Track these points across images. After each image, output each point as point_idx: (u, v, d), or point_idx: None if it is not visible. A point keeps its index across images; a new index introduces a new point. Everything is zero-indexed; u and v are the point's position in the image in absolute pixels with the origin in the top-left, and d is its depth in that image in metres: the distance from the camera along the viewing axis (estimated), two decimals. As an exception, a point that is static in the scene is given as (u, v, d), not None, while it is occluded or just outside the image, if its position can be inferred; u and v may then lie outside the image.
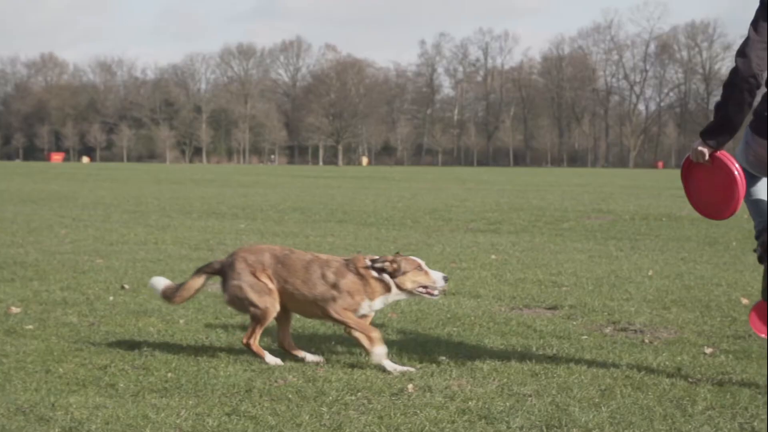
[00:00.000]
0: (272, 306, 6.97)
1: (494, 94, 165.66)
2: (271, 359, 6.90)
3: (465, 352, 7.33)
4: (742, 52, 5.95)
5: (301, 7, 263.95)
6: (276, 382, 6.33)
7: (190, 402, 5.83)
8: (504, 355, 7.19)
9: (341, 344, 7.49)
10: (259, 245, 7.26)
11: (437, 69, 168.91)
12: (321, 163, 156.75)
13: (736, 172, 6.04)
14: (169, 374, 6.50)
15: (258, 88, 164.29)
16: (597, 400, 5.95)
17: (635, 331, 8.35)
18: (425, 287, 6.97)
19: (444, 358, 7.11)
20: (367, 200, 30.15)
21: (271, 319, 7.00)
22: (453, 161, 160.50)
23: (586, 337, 8.02)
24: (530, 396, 6.03)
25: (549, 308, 9.52)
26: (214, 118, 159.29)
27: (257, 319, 6.96)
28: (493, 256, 14.08)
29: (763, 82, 5.94)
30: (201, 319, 8.59)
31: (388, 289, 6.98)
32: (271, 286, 6.98)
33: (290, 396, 5.97)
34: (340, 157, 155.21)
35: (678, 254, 14.99)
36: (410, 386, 6.23)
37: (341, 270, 7.01)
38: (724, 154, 6.12)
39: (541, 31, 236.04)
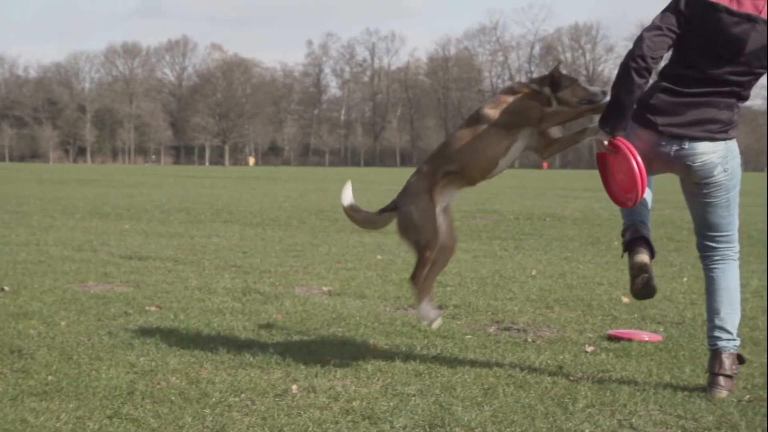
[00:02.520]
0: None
1: (381, 94, 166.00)
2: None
3: (349, 353, 7.34)
4: (639, 35, 6.08)
5: (186, 6, 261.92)
6: (159, 384, 6.27)
7: (71, 405, 5.75)
8: (388, 355, 7.22)
9: (225, 345, 7.44)
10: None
11: (324, 69, 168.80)
12: (207, 163, 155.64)
13: (634, 163, 6.08)
14: (50, 377, 6.41)
15: (143, 88, 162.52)
16: (480, 399, 6.00)
17: (518, 330, 8.43)
18: (587, 100, 6.72)
19: (328, 358, 7.11)
20: (253, 200, 30.03)
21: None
22: (340, 161, 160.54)
23: (469, 336, 8.08)
24: (414, 396, 6.06)
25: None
26: (99, 118, 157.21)
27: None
28: (378, 257, 14.12)
29: (654, 66, 6.03)
30: (83, 321, 8.47)
31: (548, 102, 6.76)
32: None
33: (173, 398, 5.92)
34: (227, 157, 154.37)
35: (561, 254, 15.17)
36: (294, 387, 6.22)
37: (499, 97, 6.86)
38: (624, 143, 6.16)
39: (428, 32, 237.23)
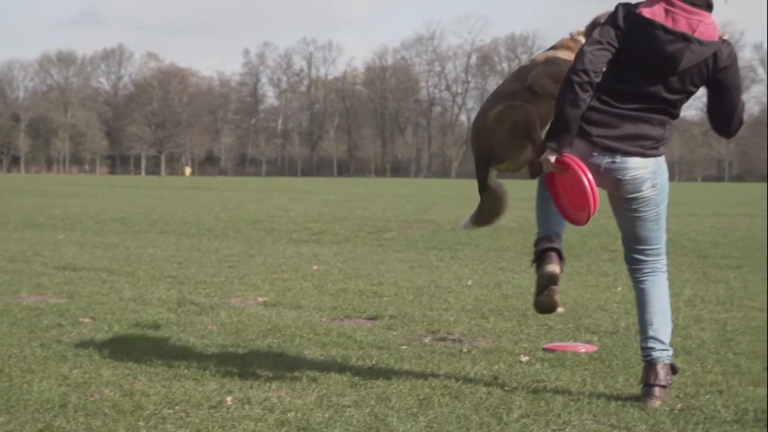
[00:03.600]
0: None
1: (318, 104, 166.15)
2: None
3: (285, 364, 7.31)
4: (580, 50, 6.13)
5: (122, 14, 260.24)
6: (92, 396, 6.21)
7: (1, 419, 5.68)
8: (324, 366, 7.20)
9: (159, 357, 7.39)
10: None
11: (261, 79, 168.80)
12: (143, 173, 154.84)
13: (584, 179, 6.05)
14: (-20, 390, 6.33)
15: (78, 97, 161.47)
16: (415, 409, 5.99)
17: (454, 340, 8.45)
18: None
19: (263, 369, 7.09)
20: (189, 210, 29.90)
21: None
22: (277, 171, 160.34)
23: (405, 347, 8.08)
24: (349, 407, 6.05)
25: (369, 318, 9.57)
26: (33, 127, 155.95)
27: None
28: (314, 267, 14.10)
29: (596, 80, 6.05)
30: (15, 333, 8.38)
31: None
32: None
33: (106, 410, 5.87)
34: (163, 167, 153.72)
35: (497, 264, 15.23)
36: (229, 398, 6.19)
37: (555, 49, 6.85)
38: (573, 159, 6.14)
39: (365, 41, 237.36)
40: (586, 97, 6.05)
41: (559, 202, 6.41)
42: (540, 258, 6.46)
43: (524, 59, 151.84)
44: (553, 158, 6.17)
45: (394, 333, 8.76)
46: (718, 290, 11.96)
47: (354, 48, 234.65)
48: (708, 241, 19.35)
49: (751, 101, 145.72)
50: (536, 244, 6.56)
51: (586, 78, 6.02)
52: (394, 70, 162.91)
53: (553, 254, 6.42)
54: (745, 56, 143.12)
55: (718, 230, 22.59)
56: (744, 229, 23.17)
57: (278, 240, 19.48)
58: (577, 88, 6.02)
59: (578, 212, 6.24)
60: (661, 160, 6.33)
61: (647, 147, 6.21)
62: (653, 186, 6.29)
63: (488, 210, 7.18)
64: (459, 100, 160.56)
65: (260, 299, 10.72)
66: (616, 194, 6.39)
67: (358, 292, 11.33)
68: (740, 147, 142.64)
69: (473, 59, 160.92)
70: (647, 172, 6.24)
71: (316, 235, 20.67)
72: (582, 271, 14.00)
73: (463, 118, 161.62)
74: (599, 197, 6.12)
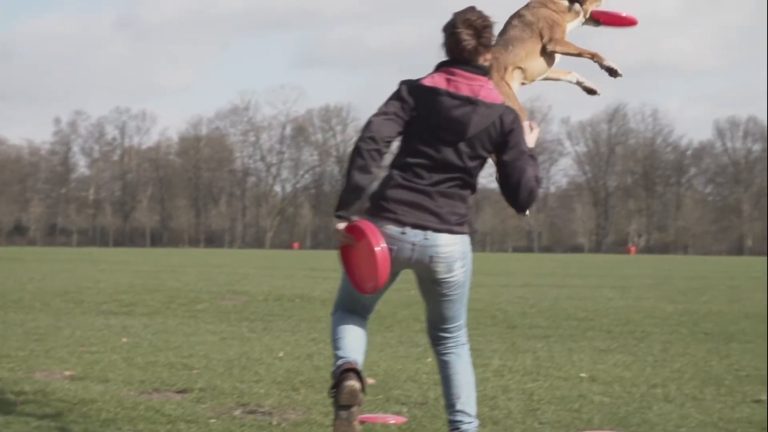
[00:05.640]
0: None
1: (131, 173, 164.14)
2: None
3: (90, 440, 7.16)
4: (368, 120, 6.22)
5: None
6: None
7: None
8: (130, 442, 7.08)
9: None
10: None
11: (72, 148, 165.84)
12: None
13: (372, 239, 6.01)
14: None
15: None
16: (222, 484, 5.93)
17: (264, 413, 8.40)
18: None
19: (68, 446, 6.93)
20: (-4, 282, 29.13)
21: None
22: (89, 241, 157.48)
23: (214, 420, 8.00)
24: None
25: (179, 392, 9.44)
26: None
27: None
28: (124, 339, 13.88)
29: (384, 149, 6.13)
30: None
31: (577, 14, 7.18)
32: None
33: None
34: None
35: (309, 335, 15.21)
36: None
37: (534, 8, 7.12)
38: (363, 223, 6.14)
39: (179, 111, 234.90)
40: (374, 165, 6.11)
41: (352, 271, 6.41)
42: (341, 377, 6.19)
43: (338, 130, 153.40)
44: (342, 226, 6.20)
45: (204, 406, 8.67)
46: (526, 360, 12.16)
47: (168, 117, 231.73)
48: (517, 312, 19.71)
49: (558, 174, 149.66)
50: (334, 372, 6.32)
51: (374, 145, 6.09)
52: (209, 140, 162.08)
53: (353, 374, 6.20)
54: (553, 130, 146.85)
55: (527, 300, 23.05)
56: (551, 299, 23.70)
57: (87, 312, 19.12)
58: (366, 154, 6.08)
59: (371, 275, 6.20)
60: (467, 240, 6.39)
61: (453, 223, 6.27)
62: (462, 266, 6.36)
63: None
64: (273, 170, 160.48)
65: (67, 373, 10.49)
66: (428, 276, 6.41)
67: (168, 365, 11.19)
68: (549, 218, 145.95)
69: (288, 130, 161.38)
70: (458, 250, 6.29)
71: (126, 307, 20.34)
72: (393, 342, 14.09)
73: (277, 188, 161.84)
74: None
